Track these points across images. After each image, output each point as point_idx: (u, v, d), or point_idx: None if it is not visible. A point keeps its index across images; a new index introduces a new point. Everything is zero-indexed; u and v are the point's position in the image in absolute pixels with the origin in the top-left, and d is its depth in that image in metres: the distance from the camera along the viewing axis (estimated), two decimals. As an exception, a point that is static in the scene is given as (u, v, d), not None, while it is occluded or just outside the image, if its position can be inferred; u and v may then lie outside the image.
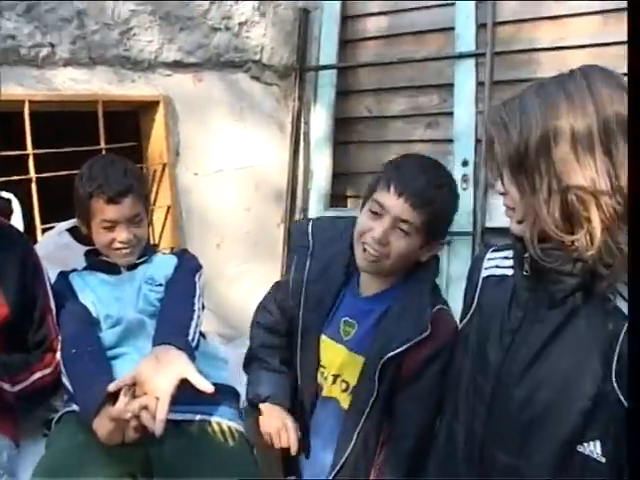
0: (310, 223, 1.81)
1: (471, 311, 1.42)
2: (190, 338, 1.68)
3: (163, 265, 1.93)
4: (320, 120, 3.31)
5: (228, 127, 3.13)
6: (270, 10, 3.19)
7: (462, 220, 2.82)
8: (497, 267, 1.39)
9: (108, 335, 1.80)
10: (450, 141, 2.96)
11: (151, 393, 1.50)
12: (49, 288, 1.81)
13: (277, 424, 1.74)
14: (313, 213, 3.26)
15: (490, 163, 1.27)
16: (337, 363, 1.73)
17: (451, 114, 2.95)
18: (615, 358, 1.14)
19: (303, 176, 3.33)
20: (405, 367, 1.63)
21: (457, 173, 2.87)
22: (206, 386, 1.49)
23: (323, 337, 1.74)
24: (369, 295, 1.73)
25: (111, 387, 1.55)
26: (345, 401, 1.73)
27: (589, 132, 1.11)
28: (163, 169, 2.93)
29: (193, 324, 1.72)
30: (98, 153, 2.63)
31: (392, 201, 1.61)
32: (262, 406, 1.77)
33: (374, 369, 1.63)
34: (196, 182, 3.02)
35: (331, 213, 3.21)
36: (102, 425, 1.56)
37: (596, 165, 1.11)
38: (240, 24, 3.10)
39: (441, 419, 1.54)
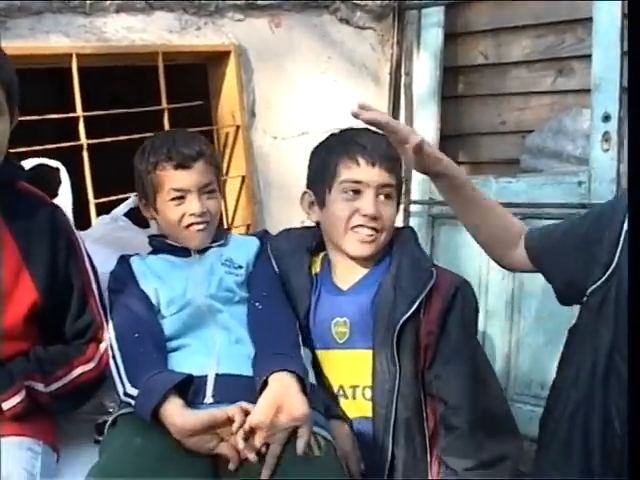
0: (269, 242, 1.93)
1: (609, 271, 1.33)
2: (302, 353, 1.68)
3: (243, 246, 1.92)
4: (425, 70, 3.14)
5: (313, 81, 3.01)
6: (360, -63, 3.03)
7: (602, 189, 2.59)
8: None
9: (171, 322, 1.77)
10: (587, 91, 2.70)
11: (264, 439, 1.51)
12: (89, 267, 1.79)
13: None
14: (417, 183, 3.06)
15: None
16: (346, 372, 1.77)
17: (589, 57, 2.69)
18: None
19: None
20: (424, 331, 1.70)
21: (596, 131, 2.60)
22: (301, 450, 1.49)
23: (317, 352, 1.79)
24: (352, 285, 1.81)
25: (219, 414, 1.52)
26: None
27: None
28: (236, 132, 2.84)
29: (299, 332, 1.74)
30: (159, 114, 2.60)
31: (368, 173, 1.74)
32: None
33: (388, 349, 1.69)
34: (276, 147, 2.92)
35: None
36: (185, 423, 1.52)
37: None
38: (322, -45, 2.93)
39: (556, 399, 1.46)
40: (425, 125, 3.08)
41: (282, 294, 1.82)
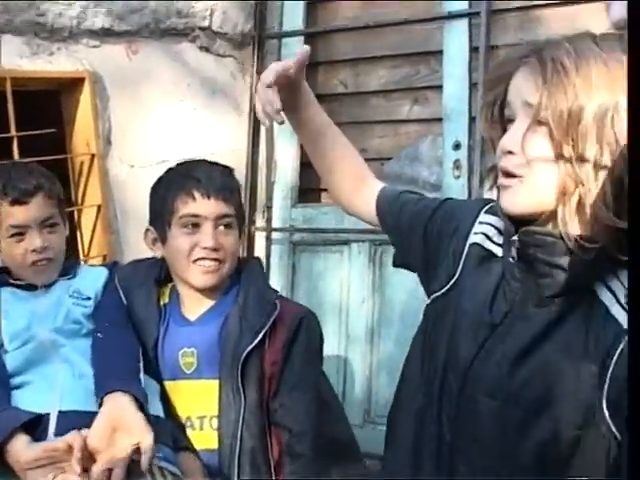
0: (117, 273, 1.92)
1: (453, 280, 1.28)
2: (142, 378, 1.67)
3: (91, 277, 1.89)
4: None
5: (172, 109, 2.97)
6: (221, -35, 3.04)
7: None
8: (487, 238, 1.26)
9: (13, 357, 1.71)
10: (441, 120, 2.81)
11: (105, 463, 1.48)
12: None
13: None
14: (278, 211, 3.08)
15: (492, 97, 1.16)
16: (193, 403, 1.78)
17: (442, 87, 2.81)
18: (607, 380, 1.06)
19: (265, 167, 3.16)
20: (269, 361, 1.75)
21: (448, 159, 2.71)
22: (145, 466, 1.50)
23: (165, 383, 1.80)
24: (199, 316, 1.83)
25: (59, 444, 1.50)
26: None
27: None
28: (91, 161, 2.79)
29: (141, 359, 1.73)
30: (8, 142, 2.53)
31: (205, 206, 1.76)
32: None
33: (233, 379, 1.72)
34: (133, 176, 2.87)
35: (299, 210, 3.05)
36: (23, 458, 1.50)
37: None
38: (184, -18, 2.93)
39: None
40: (286, 152, 3.09)
41: (126, 323, 1.80)
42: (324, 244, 2.93)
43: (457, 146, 2.72)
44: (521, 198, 1.11)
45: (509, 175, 1.11)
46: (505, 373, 1.13)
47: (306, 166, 3.05)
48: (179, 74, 2.96)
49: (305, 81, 1.44)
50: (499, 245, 1.23)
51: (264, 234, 3.04)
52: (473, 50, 2.72)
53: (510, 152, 1.10)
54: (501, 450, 1.14)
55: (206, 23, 2.98)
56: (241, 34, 3.11)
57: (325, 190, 3.11)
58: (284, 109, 1.35)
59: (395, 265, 1.44)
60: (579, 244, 1.06)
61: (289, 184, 3.10)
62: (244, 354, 1.72)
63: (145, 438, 1.49)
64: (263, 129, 3.13)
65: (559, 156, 1.06)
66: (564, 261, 1.09)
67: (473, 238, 1.28)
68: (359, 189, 1.46)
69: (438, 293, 1.29)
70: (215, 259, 1.77)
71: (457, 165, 2.71)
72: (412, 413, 1.29)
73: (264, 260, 3.01)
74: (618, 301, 1.08)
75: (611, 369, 1.06)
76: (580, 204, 1.06)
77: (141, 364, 1.70)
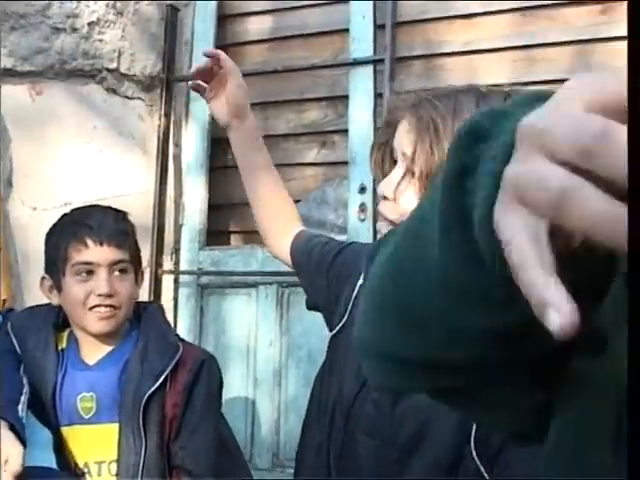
0: (9, 324, 1.88)
1: (344, 319, 1.32)
2: (20, 409, 1.65)
3: None
4: (193, 141, 3.13)
5: (77, 151, 2.88)
6: (129, 7, 2.98)
7: None
8: None
9: None
10: (346, 163, 2.84)
11: None
12: None
13: None
14: (186, 253, 3.06)
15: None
16: (91, 448, 1.78)
17: (347, 131, 2.85)
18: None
19: (173, 209, 3.14)
20: (170, 403, 1.76)
21: (353, 202, 2.74)
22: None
23: (62, 429, 1.78)
24: (98, 360, 1.83)
25: None
26: None
27: None
28: None
29: (24, 393, 1.70)
30: None
31: (97, 253, 1.76)
32: None
33: (134, 422, 1.72)
34: (35, 218, 2.76)
35: (207, 253, 3.03)
36: None
37: None
38: (90, 24, 2.85)
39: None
40: (194, 194, 3.08)
41: (13, 362, 1.78)
42: (232, 286, 2.91)
43: (362, 189, 2.74)
44: None
45: (383, 217, 1.18)
46: (383, 412, 1.17)
47: (214, 208, 3.09)
48: (85, 116, 2.91)
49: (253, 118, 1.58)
50: None
51: (172, 277, 3.01)
52: (378, 96, 2.76)
53: (385, 197, 1.17)
54: None
55: (114, 65, 2.93)
56: (150, 76, 3.06)
57: (234, 232, 3.14)
58: (232, 139, 1.55)
59: (308, 308, 1.49)
60: None
61: (197, 226, 3.07)
62: (145, 397, 1.72)
63: (13, 457, 1.50)
64: (171, 171, 3.12)
65: None
66: None
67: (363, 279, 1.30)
68: (281, 242, 1.52)
69: (332, 333, 1.34)
70: (110, 305, 1.77)
71: (362, 208, 2.74)
72: (312, 448, 1.32)
73: (172, 303, 2.99)
74: None
75: None
76: None
77: (22, 397, 1.68)
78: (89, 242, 1.76)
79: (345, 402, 1.22)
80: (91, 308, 1.76)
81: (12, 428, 1.57)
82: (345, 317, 1.32)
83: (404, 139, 1.15)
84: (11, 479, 1.48)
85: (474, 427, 1.09)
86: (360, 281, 1.31)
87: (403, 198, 1.14)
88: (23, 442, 1.56)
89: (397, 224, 1.14)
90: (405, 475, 1.12)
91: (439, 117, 1.11)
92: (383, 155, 1.24)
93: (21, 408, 1.67)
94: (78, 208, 1.90)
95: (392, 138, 1.20)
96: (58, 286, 1.81)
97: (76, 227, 1.78)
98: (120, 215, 1.84)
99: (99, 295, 1.75)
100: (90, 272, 1.77)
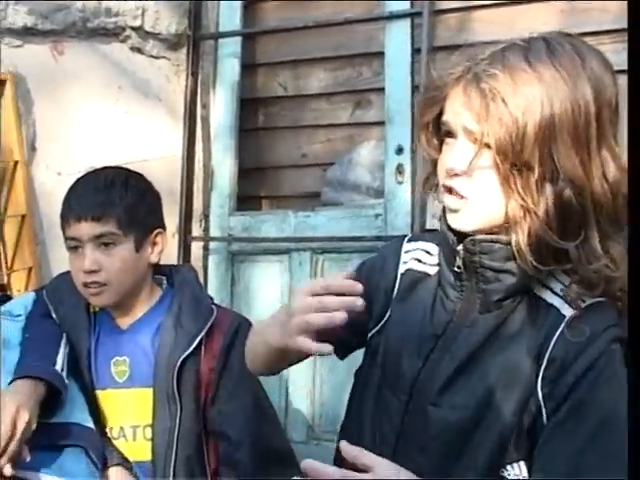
0: (44, 290, 1.93)
1: (386, 316, 1.34)
2: (59, 367, 1.71)
3: (19, 299, 1.98)
4: (221, 102, 3.14)
5: (102, 113, 2.92)
6: (153, -38, 3.01)
7: (397, 221, 2.70)
8: (419, 261, 1.35)
9: None
10: (383, 123, 2.82)
11: None
12: None
13: None
14: (215, 219, 3.06)
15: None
16: (126, 412, 1.82)
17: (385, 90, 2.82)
18: (544, 363, 1.14)
19: (202, 174, 3.16)
20: (205, 368, 1.77)
21: (390, 163, 2.72)
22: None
23: (97, 393, 1.82)
24: (131, 324, 1.85)
25: None
26: None
27: (587, 120, 1.13)
28: (15, 168, 2.71)
29: (61, 352, 1.76)
30: None
31: (78, 229, 1.76)
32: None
33: (168, 386, 1.75)
34: (60, 184, 2.69)
35: (238, 218, 3.03)
36: None
37: (591, 159, 1.14)
38: (113, -21, 2.88)
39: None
40: (223, 159, 3.09)
41: (49, 328, 1.83)
42: (264, 253, 2.91)
43: (400, 150, 2.73)
44: (469, 219, 1.18)
45: (454, 193, 1.18)
46: (452, 380, 1.19)
47: (244, 172, 3.11)
48: (109, 76, 2.93)
49: None
50: (435, 265, 1.30)
51: (201, 244, 3.02)
52: (415, 51, 2.73)
53: (456, 174, 1.16)
54: (449, 457, 1.18)
55: (138, 22, 2.95)
56: (175, 34, 3.08)
57: (265, 197, 3.15)
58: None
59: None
60: (533, 265, 1.14)
61: (226, 191, 3.08)
62: (179, 360, 1.75)
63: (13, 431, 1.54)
64: (199, 134, 3.13)
65: (505, 183, 1.13)
66: (510, 265, 1.17)
67: (402, 267, 1.34)
68: None
69: (374, 330, 1.34)
70: (95, 282, 1.77)
71: (400, 170, 2.72)
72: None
73: (201, 271, 3.00)
74: (554, 292, 1.18)
75: (549, 351, 1.14)
76: (530, 232, 1.13)
77: (61, 349, 1.76)
78: (70, 218, 1.79)
79: (407, 378, 1.24)
80: (84, 284, 1.79)
81: (50, 385, 1.63)
82: (387, 315, 1.33)
83: (463, 113, 1.15)
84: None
85: (543, 366, 1.13)
86: (400, 269, 1.34)
87: (477, 174, 1.15)
88: (61, 398, 1.62)
89: (467, 199, 1.16)
90: (479, 436, 1.16)
91: (498, 81, 1.12)
92: (430, 130, 1.25)
93: (60, 367, 1.72)
94: (76, 180, 1.91)
95: (439, 112, 1.21)
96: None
97: (64, 203, 1.82)
98: (107, 183, 1.82)
99: (83, 272, 1.77)
100: (76, 247, 1.78)
